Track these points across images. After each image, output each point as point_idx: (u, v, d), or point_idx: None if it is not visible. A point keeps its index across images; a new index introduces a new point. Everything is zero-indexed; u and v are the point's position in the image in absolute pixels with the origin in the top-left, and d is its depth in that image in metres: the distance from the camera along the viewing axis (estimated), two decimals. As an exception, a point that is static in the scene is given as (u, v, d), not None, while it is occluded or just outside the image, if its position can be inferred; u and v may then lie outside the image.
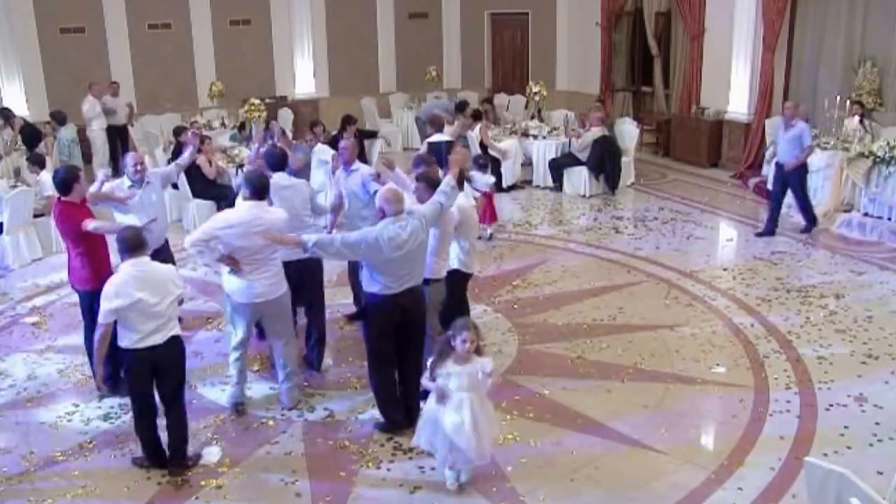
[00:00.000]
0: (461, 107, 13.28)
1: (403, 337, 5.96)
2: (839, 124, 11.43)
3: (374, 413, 6.25)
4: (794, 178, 10.50)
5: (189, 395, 6.74)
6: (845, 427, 6.01)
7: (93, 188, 7.04)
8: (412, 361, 6.03)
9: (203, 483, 5.52)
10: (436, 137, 10.53)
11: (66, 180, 6.50)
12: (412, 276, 5.81)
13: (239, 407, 6.45)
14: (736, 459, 5.64)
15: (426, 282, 6.18)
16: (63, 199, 6.53)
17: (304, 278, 6.85)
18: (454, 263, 6.77)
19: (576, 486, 5.44)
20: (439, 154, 10.72)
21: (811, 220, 10.72)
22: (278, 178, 6.87)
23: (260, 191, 6.15)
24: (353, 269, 7.62)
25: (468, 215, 6.77)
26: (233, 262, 6.04)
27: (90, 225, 6.36)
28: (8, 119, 12.94)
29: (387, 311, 5.82)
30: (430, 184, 6.19)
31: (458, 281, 6.87)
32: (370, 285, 5.82)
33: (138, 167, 7.19)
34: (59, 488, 5.50)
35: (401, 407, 6.09)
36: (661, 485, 5.41)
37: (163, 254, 7.38)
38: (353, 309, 8.14)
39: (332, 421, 6.29)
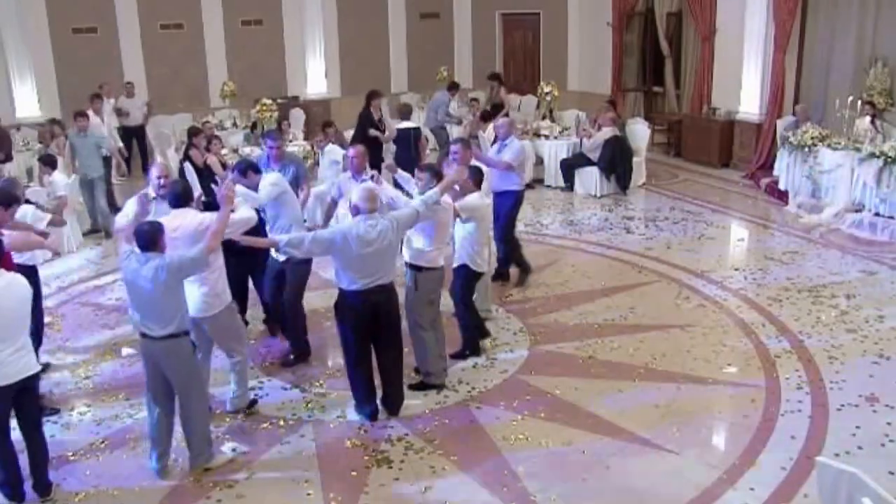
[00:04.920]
0: (454, 86, 14.78)
1: (377, 332, 6.13)
2: (850, 124, 11.37)
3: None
4: (503, 210, 8.43)
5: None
6: (857, 427, 6.00)
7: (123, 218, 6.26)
8: (390, 354, 6.27)
9: (215, 483, 5.54)
10: (403, 124, 11.43)
11: (6, 201, 6.02)
12: (380, 274, 5.97)
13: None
14: (747, 459, 5.64)
15: (419, 269, 6.44)
16: None
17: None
18: (463, 258, 7.01)
19: (587, 485, 5.44)
20: (406, 140, 11.33)
21: (525, 267, 9.03)
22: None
23: (178, 198, 5.97)
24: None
25: (483, 213, 6.91)
26: None
27: None
28: None
29: (356, 308, 5.98)
30: (435, 174, 6.53)
31: (467, 278, 7.07)
32: (340, 282, 6.01)
33: (162, 180, 6.45)
34: (70, 488, 5.53)
35: (374, 399, 6.29)
36: (672, 484, 5.41)
37: None
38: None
39: (343, 421, 6.31)
